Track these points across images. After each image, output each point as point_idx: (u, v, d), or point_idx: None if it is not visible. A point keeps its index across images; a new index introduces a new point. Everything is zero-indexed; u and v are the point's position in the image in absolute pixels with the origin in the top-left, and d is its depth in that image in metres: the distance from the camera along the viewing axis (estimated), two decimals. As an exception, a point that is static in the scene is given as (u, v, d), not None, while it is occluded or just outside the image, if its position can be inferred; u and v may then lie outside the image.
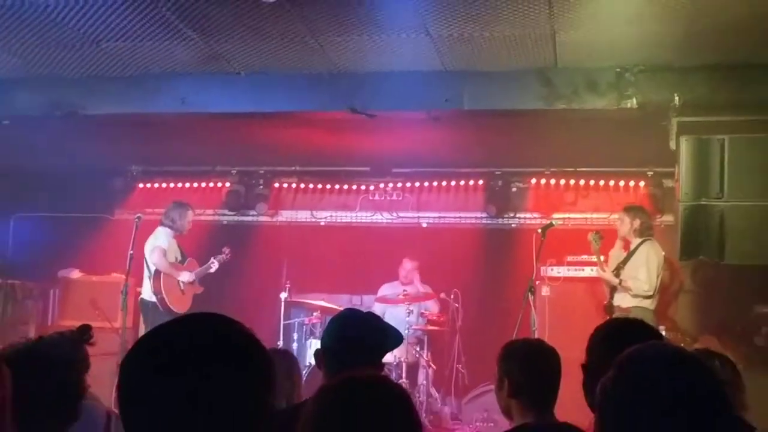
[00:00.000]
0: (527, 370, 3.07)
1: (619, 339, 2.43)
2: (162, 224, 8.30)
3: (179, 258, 8.33)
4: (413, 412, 1.84)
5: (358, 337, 2.91)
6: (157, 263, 8.03)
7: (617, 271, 7.57)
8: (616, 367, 1.63)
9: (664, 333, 7.26)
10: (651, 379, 1.56)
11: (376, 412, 1.75)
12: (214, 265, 8.54)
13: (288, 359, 4.51)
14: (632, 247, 7.64)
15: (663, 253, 7.62)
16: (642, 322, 2.85)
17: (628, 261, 7.55)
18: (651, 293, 7.34)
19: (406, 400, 1.84)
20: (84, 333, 3.07)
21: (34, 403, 2.32)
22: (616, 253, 7.79)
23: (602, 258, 7.89)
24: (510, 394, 3.05)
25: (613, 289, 7.58)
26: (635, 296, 7.35)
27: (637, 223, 7.59)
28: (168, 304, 7.89)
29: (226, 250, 8.74)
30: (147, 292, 8.08)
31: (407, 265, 9.15)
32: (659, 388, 1.56)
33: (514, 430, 3.06)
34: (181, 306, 7.92)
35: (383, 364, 3.18)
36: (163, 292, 7.96)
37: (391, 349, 3.25)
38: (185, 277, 8.15)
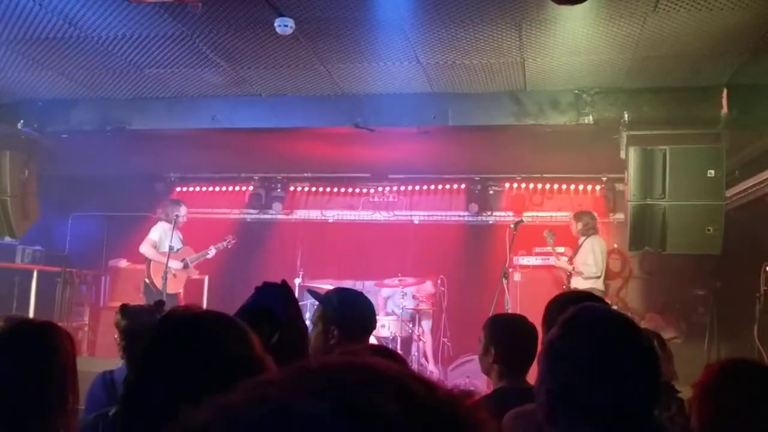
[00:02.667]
0: (510, 341, 3.04)
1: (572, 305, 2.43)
2: (159, 219, 8.23)
3: (176, 247, 8.03)
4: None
5: (356, 316, 2.93)
6: (144, 252, 8.00)
7: (569, 261, 7.87)
8: (560, 326, 1.59)
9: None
10: (600, 333, 1.52)
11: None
12: (211, 252, 8.43)
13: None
14: (579, 243, 7.86)
15: (605, 244, 7.82)
16: (589, 293, 2.84)
17: (578, 253, 7.78)
18: (599, 274, 7.56)
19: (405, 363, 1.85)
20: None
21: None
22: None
23: (559, 250, 8.10)
24: (494, 360, 3.03)
25: (569, 276, 7.76)
26: (587, 278, 7.50)
27: (580, 225, 7.89)
28: (158, 286, 7.77)
29: (230, 237, 8.65)
30: (146, 277, 8.06)
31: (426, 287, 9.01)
32: (595, 332, 1.53)
33: (492, 393, 3.04)
34: (171, 288, 7.75)
35: (367, 339, 3.14)
36: (152, 276, 7.90)
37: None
38: (173, 264, 7.91)
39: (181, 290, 8.25)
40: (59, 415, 1.68)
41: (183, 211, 8.21)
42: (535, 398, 1.58)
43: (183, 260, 8.18)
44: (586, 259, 7.60)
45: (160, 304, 3.43)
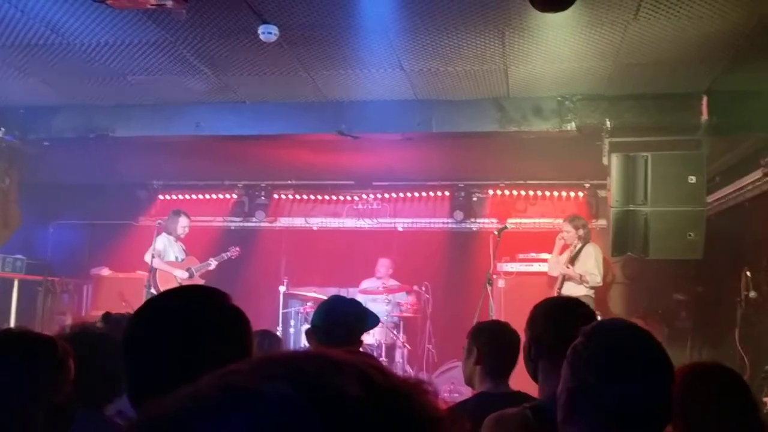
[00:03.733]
0: (493, 343, 3.07)
1: (562, 312, 2.43)
2: (163, 231, 8.28)
3: (180, 257, 8.25)
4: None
5: (340, 319, 2.93)
6: (148, 261, 8.01)
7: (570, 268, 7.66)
8: (585, 334, 1.66)
9: (599, 318, 7.33)
10: (617, 339, 1.62)
11: None
12: (212, 263, 8.47)
13: (269, 338, 4.43)
14: (575, 249, 7.69)
15: (601, 250, 7.75)
16: (576, 298, 2.86)
17: (576, 260, 7.61)
18: (602, 284, 7.49)
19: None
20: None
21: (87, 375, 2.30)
22: (555, 258, 7.86)
23: (543, 257, 8.04)
24: (476, 361, 3.04)
25: (562, 282, 7.65)
26: (590, 288, 7.41)
27: (581, 231, 7.67)
28: None
29: (233, 248, 8.70)
30: (150, 286, 8.05)
31: (385, 263, 9.15)
32: (613, 337, 1.63)
33: (473, 397, 3.05)
34: None
35: (361, 342, 3.19)
36: (159, 285, 7.91)
37: (369, 329, 3.26)
38: (179, 273, 8.05)
39: None
40: (62, 421, 1.69)
41: (183, 221, 8.27)
42: (557, 400, 1.66)
43: (188, 269, 8.21)
44: (590, 267, 7.47)
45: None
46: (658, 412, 1.55)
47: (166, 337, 1.35)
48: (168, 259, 8.12)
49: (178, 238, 8.28)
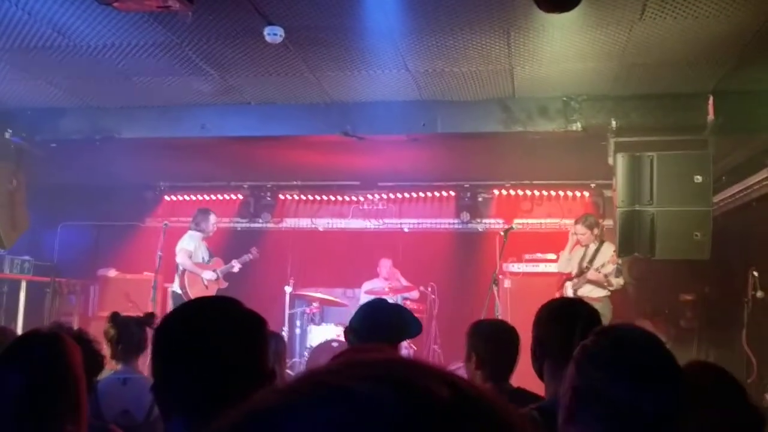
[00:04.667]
0: (491, 347, 3.04)
1: (565, 312, 2.44)
2: (190, 229, 8.27)
3: (206, 258, 8.27)
4: None
5: (382, 321, 2.88)
6: (182, 263, 7.98)
7: (580, 270, 7.43)
8: (595, 334, 1.65)
9: (603, 318, 7.25)
10: (627, 342, 1.61)
11: None
12: (236, 265, 8.45)
13: (274, 339, 4.43)
14: (591, 249, 7.50)
15: None
16: (579, 300, 2.87)
17: (595, 259, 7.39)
18: (622, 284, 7.34)
19: None
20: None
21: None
22: (568, 255, 7.73)
23: (549, 257, 7.93)
24: (476, 367, 3.04)
25: (583, 283, 7.38)
26: (613, 290, 7.23)
27: (597, 230, 7.48)
28: (191, 296, 7.85)
29: (254, 250, 8.68)
30: (176, 286, 8.04)
31: (387, 264, 9.14)
32: (622, 339, 1.61)
33: None
34: None
35: (399, 347, 3.10)
36: (187, 287, 7.93)
37: (411, 336, 3.20)
38: (207, 275, 8.08)
39: None
40: (70, 422, 1.70)
41: (213, 219, 8.30)
42: (560, 400, 1.64)
43: (215, 271, 8.22)
44: (611, 268, 7.17)
45: (150, 315, 3.42)
46: (664, 416, 1.53)
47: (191, 347, 1.39)
48: (196, 260, 8.12)
49: (204, 238, 8.27)
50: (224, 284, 8.47)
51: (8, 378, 1.71)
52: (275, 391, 0.52)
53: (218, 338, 1.39)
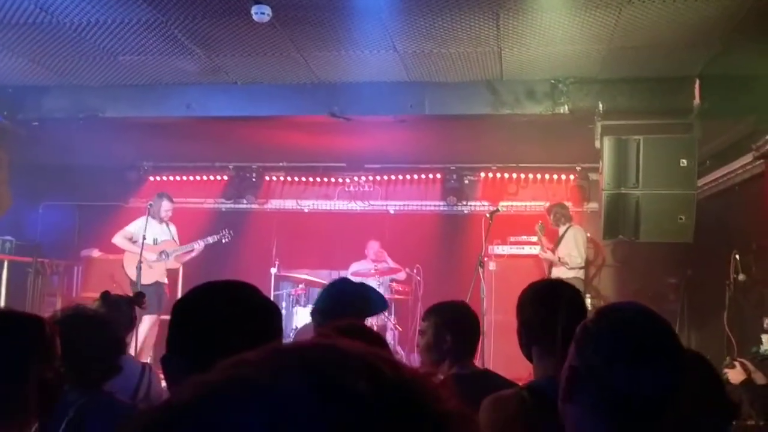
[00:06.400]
0: (461, 326, 2.99)
1: (547, 295, 2.44)
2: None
3: (159, 239, 8.12)
4: (388, 350, 1.86)
5: (346, 300, 2.90)
6: (115, 241, 8.03)
7: (552, 251, 7.90)
8: (596, 313, 1.65)
9: (589, 300, 7.43)
10: (628, 320, 1.60)
11: None
12: (198, 246, 8.33)
13: None
14: (560, 233, 7.89)
15: (587, 234, 7.85)
16: (563, 281, 2.87)
17: (560, 243, 7.78)
18: (583, 265, 7.60)
19: (382, 340, 1.86)
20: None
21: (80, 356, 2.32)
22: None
23: (532, 239, 8.21)
24: (450, 346, 2.95)
25: (551, 265, 7.78)
26: (571, 269, 7.56)
27: (551, 217, 8.00)
28: (129, 276, 7.83)
29: (225, 231, 8.59)
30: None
31: (374, 246, 9.15)
32: (621, 317, 1.60)
33: (447, 379, 2.99)
34: (146, 278, 7.69)
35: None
36: (124, 266, 7.94)
37: (375, 313, 3.21)
38: (149, 255, 7.89)
39: (163, 280, 8.11)
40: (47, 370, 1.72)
41: (166, 205, 8.18)
42: (560, 379, 1.64)
43: (162, 252, 8.09)
44: (570, 250, 7.65)
45: (140, 295, 3.42)
46: (662, 398, 1.53)
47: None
48: (143, 241, 7.92)
49: (161, 221, 8.20)
50: (176, 265, 8.40)
51: None
52: (196, 384, 0.52)
53: (234, 321, 1.41)
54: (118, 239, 8.06)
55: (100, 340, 2.51)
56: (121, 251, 9.07)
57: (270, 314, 1.51)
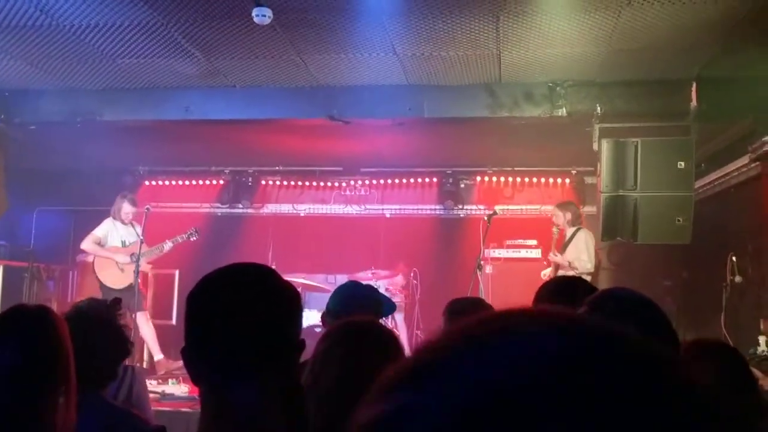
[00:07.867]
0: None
1: (564, 289, 2.46)
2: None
3: (127, 241, 7.90)
4: (400, 345, 1.86)
5: (357, 302, 2.92)
6: (84, 247, 7.86)
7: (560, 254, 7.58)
8: (592, 299, 1.66)
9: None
10: (622, 306, 1.62)
11: (372, 343, 1.77)
12: (167, 245, 8.09)
13: None
14: (568, 235, 7.62)
15: (593, 237, 7.74)
16: (581, 278, 2.89)
17: (568, 246, 7.52)
18: (592, 270, 7.41)
19: (395, 338, 1.87)
20: (115, 303, 3.05)
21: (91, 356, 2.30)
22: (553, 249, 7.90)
23: (530, 243, 8.09)
24: None
25: (557, 268, 7.56)
26: (580, 274, 7.37)
27: (569, 215, 7.58)
28: (101, 280, 7.70)
29: (193, 229, 8.30)
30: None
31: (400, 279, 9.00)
32: (612, 306, 1.63)
33: None
34: (116, 282, 7.61)
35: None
36: (95, 270, 7.78)
37: (384, 315, 3.24)
38: (120, 258, 7.75)
39: (133, 282, 7.92)
40: (63, 394, 1.69)
41: (126, 208, 7.89)
42: None
43: (132, 254, 7.80)
44: (580, 253, 7.37)
45: (117, 301, 3.37)
46: None
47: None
48: (113, 244, 7.83)
49: (125, 222, 7.93)
50: (148, 267, 8.24)
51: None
52: (451, 334, 0.48)
53: (255, 306, 1.40)
54: (87, 245, 7.82)
55: (103, 342, 2.50)
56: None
57: (294, 295, 1.49)
